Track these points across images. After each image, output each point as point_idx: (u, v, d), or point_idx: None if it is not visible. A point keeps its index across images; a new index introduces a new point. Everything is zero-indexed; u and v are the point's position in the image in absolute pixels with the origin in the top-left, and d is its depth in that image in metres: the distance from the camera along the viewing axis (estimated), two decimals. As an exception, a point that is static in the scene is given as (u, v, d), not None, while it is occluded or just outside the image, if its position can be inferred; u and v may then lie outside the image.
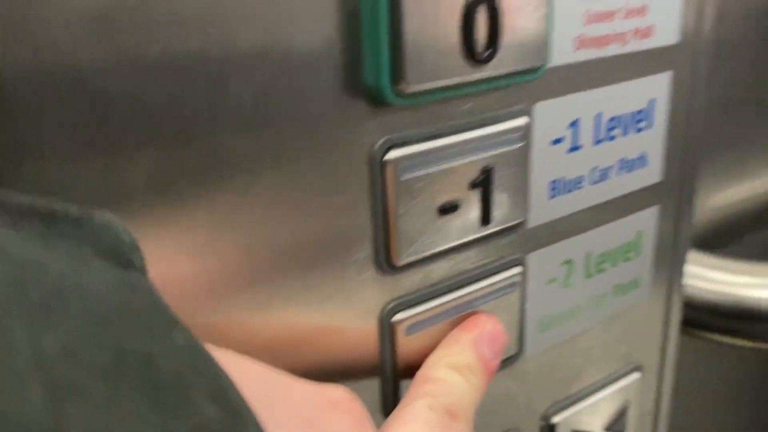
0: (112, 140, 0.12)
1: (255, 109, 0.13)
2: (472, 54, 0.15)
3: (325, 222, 0.15)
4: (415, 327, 0.17)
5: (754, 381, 0.45)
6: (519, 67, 0.16)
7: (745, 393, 0.45)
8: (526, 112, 0.17)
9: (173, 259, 0.13)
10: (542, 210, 0.18)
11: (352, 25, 0.14)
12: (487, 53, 0.15)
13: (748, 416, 0.46)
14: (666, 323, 0.23)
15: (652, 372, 0.23)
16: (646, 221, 0.21)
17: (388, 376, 0.17)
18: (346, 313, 0.16)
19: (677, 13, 0.19)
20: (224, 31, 0.13)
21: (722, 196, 0.36)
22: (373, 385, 0.17)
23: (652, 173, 0.21)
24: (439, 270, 0.17)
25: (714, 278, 0.31)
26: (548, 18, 0.16)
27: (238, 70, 0.13)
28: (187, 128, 0.13)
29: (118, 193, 0.12)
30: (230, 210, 0.14)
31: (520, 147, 0.17)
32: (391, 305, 0.16)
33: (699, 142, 0.21)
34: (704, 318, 0.30)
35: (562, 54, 0.17)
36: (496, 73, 0.15)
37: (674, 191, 0.21)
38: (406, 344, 0.16)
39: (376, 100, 0.14)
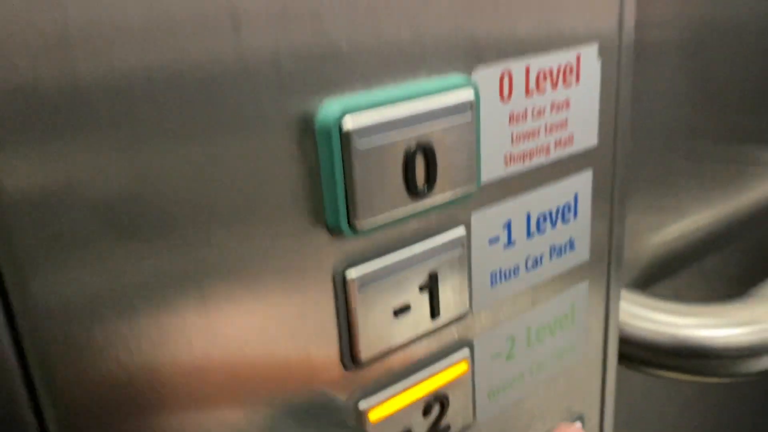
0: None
1: (237, 252, 0.16)
2: (413, 191, 0.18)
3: (296, 331, 0.18)
4: (378, 411, 0.19)
5: (693, 407, 0.48)
6: (454, 195, 0.19)
7: (686, 416, 0.49)
8: (464, 221, 0.20)
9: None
10: (485, 297, 0.21)
11: (313, 177, 0.17)
12: (425, 188, 0.18)
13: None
14: (603, 377, 0.26)
15: (593, 418, 0.27)
16: (578, 295, 0.24)
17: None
18: (311, 404, 0.19)
19: (594, 120, 0.22)
20: (208, 193, 0.15)
21: (657, 236, 0.40)
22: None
23: (580, 254, 0.24)
24: (397, 360, 0.20)
25: (651, 318, 0.34)
26: (477, 151, 0.19)
27: (221, 223, 0.16)
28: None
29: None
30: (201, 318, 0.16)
31: (460, 252, 0.20)
32: (358, 395, 0.19)
33: (622, 220, 0.25)
34: (642, 355, 0.34)
35: (493, 171, 0.20)
36: (434, 202, 0.18)
37: (601, 266, 0.25)
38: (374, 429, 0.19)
39: (336, 233, 0.17)
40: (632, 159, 0.25)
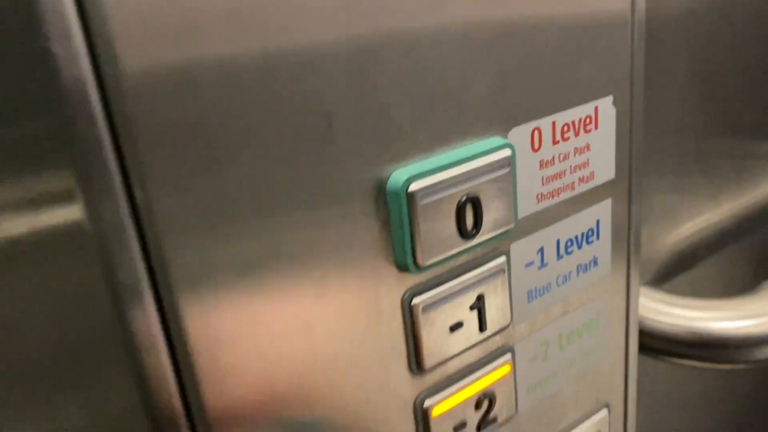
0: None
1: (333, 288, 0.21)
2: (464, 234, 0.22)
3: (375, 346, 0.22)
4: (439, 408, 0.24)
5: (713, 393, 0.52)
6: (497, 232, 0.23)
7: (705, 404, 0.52)
8: (505, 252, 0.24)
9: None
10: (523, 311, 0.26)
11: (386, 228, 0.21)
12: (474, 231, 0.22)
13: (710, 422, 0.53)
14: (626, 369, 0.31)
15: (618, 406, 0.31)
16: (602, 303, 0.28)
17: (424, 443, 0.24)
18: (385, 403, 0.23)
19: (611, 157, 0.26)
20: (313, 246, 0.20)
21: (672, 236, 0.44)
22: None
23: (603, 269, 0.28)
24: (454, 365, 0.24)
25: (669, 312, 0.38)
26: (514, 195, 0.23)
27: (322, 269, 0.20)
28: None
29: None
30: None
31: (501, 277, 0.24)
32: (422, 395, 0.24)
33: (638, 240, 0.29)
34: (663, 346, 0.38)
35: (527, 208, 0.24)
36: (480, 240, 0.23)
37: (621, 277, 0.29)
38: (436, 426, 0.24)
39: (403, 270, 0.22)
40: (645, 162, 0.28)
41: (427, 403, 0.24)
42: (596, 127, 0.25)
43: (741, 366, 0.39)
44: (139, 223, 0.17)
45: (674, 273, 0.45)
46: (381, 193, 0.21)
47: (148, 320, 0.18)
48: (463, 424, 0.25)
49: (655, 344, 0.38)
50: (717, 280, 0.48)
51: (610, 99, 0.25)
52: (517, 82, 0.22)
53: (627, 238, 0.28)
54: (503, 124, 0.23)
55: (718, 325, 0.38)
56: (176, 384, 0.19)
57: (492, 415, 0.26)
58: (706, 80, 0.44)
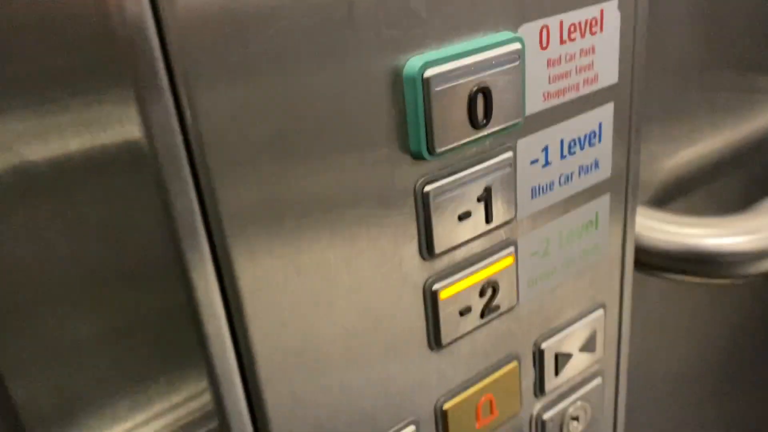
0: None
1: (346, 173, 0.22)
2: (475, 124, 0.23)
3: (387, 230, 0.24)
4: (446, 292, 0.26)
5: (705, 314, 0.54)
6: (505, 125, 0.24)
7: (697, 326, 0.55)
8: (512, 147, 0.26)
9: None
10: (526, 207, 0.27)
11: (401, 115, 0.22)
12: (484, 121, 0.23)
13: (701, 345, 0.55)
14: (621, 273, 0.32)
15: (614, 307, 0.33)
16: (601, 205, 0.30)
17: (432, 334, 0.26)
18: (398, 284, 0.25)
19: (615, 61, 0.28)
20: (331, 124, 0.21)
21: (671, 160, 0.45)
22: (422, 330, 0.26)
23: (603, 172, 0.29)
24: (461, 253, 0.26)
25: (665, 229, 0.40)
26: (523, 90, 0.24)
27: (338, 150, 0.21)
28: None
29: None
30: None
31: (508, 171, 0.26)
32: (431, 279, 0.25)
33: (638, 144, 0.30)
34: (658, 261, 0.39)
35: (534, 106, 0.26)
36: (490, 131, 0.24)
37: (621, 182, 0.30)
38: (443, 308, 0.25)
39: (417, 158, 0.23)
40: (648, 91, 0.30)
41: (436, 286, 0.25)
42: (601, 30, 0.26)
43: (730, 281, 0.40)
44: (191, 157, 0.19)
45: (672, 198, 0.46)
46: (398, 80, 0.22)
47: (200, 249, 0.20)
48: (468, 309, 0.26)
49: (650, 260, 0.40)
50: (714, 205, 0.49)
51: (615, 3, 0.26)
52: (528, -23, 0.23)
53: (627, 144, 0.30)
54: (514, 19, 0.24)
55: (711, 241, 0.39)
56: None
57: (495, 303, 0.27)
58: (710, 14, 0.45)
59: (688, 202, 0.47)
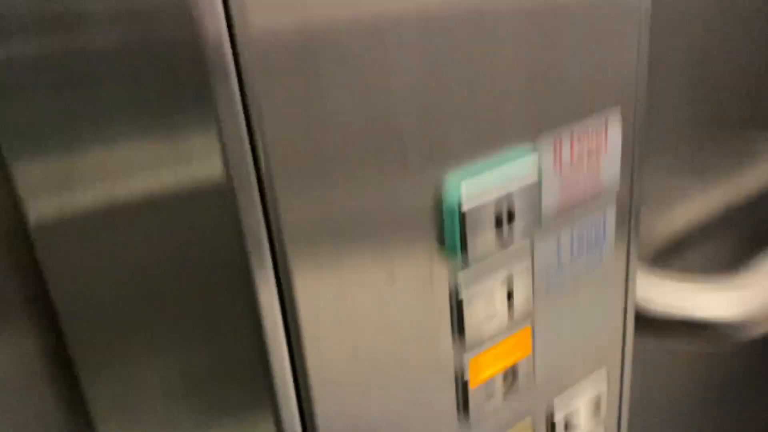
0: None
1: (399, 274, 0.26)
2: (501, 240, 0.27)
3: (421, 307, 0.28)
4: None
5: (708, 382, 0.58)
6: (527, 240, 0.28)
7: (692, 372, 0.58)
8: (531, 251, 0.30)
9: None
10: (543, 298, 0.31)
11: (439, 226, 0.26)
12: (510, 236, 0.28)
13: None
14: (623, 337, 0.36)
15: (615, 368, 0.37)
16: (604, 292, 0.34)
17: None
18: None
19: (617, 166, 0.32)
20: (388, 225, 0.25)
21: (663, 221, 0.49)
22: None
23: (608, 254, 0.33)
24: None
25: (664, 295, 0.43)
26: (540, 203, 0.28)
27: (398, 247, 0.25)
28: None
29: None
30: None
31: (528, 263, 0.30)
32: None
33: (637, 238, 0.34)
34: (656, 326, 0.43)
35: (549, 211, 0.30)
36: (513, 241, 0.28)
37: (621, 266, 0.34)
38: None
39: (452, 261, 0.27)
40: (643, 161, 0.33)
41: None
42: (606, 139, 0.31)
43: (725, 348, 0.44)
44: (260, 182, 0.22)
45: (665, 258, 0.50)
46: (437, 210, 0.26)
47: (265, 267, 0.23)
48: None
49: (646, 324, 0.44)
50: (707, 264, 0.53)
51: (618, 109, 0.31)
52: (548, 95, 0.28)
53: (627, 234, 0.34)
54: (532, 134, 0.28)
55: (703, 311, 0.43)
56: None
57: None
58: (699, 80, 0.48)
59: (681, 260, 0.51)
